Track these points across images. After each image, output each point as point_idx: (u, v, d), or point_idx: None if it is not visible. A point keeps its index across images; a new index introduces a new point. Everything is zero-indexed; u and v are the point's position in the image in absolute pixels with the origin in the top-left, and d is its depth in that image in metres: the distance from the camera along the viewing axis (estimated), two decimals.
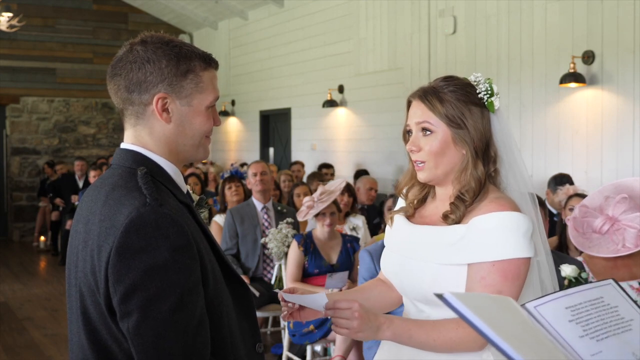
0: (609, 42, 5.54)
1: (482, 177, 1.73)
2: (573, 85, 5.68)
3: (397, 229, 1.89)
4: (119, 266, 1.35)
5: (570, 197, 4.47)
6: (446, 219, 1.74)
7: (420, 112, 1.76)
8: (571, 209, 4.24)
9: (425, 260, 1.74)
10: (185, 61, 1.51)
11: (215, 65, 1.59)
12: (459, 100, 1.74)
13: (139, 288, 1.34)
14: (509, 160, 1.81)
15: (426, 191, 1.89)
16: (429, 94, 1.76)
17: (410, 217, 1.89)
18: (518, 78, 6.34)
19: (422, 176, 1.79)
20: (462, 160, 1.75)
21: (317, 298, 1.68)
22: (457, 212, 1.72)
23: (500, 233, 1.64)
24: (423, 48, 7.42)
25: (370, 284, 2.01)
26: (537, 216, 1.79)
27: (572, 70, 5.61)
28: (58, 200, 10.15)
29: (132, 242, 1.35)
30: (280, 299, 1.79)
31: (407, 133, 1.82)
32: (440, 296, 1.11)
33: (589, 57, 5.64)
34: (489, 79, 1.81)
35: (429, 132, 1.75)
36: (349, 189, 5.38)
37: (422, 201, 1.90)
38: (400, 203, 1.98)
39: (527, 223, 1.67)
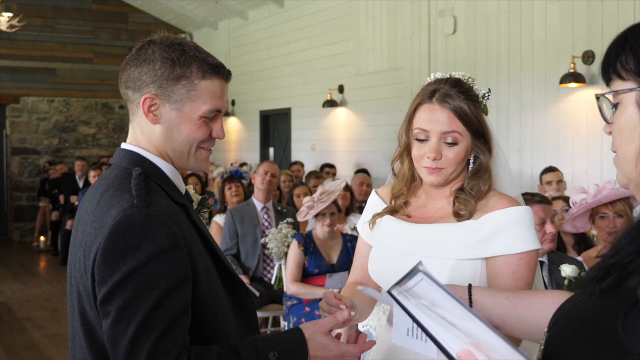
0: (609, 42, 5.49)
1: (491, 178, 1.80)
2: (573, 85, 5.68)
3: (390, 229, 1.87)
4: (103, 268, 1.36)
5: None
6: (458, 215, 1.76)
7: (448, 120, 1.72)
8: (554, 214, 4.27)
9: (442, 257, 1.73)
10: (180, 66, 1.48)
11: (222, 76, 1.53)
12: (475, 107, 1.75)
13: (117, 290, 1.34)
14: (500, 161, 1.85)
15: (405, 191, 1.89)
16: (454, 101, 1.72)
17: (398, 214, 1.88)
18: (518, 78, 6.34)
19: (435, 179, 1.77)
20: (467, 164, 1.79)
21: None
22: (469, 206, 1.74)
23: (520, 226, 1.70)
24: (423, 48, 7.42)
25: (352, 291, 1.95)
26: None
27: (572, 70, 5.61)
28: (62, 197, 10.16)
29: (117, 244, 1.35)
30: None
31: (419, 140, 1.76)
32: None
33: (589, 57, 5.64)
34: (472, 78, 1.82)
35: (454, 142, 1.73)
36: (345, 186, 5.40)
37: (404, 202, 1.90)
38: (374, 204, 1.96)
39: (533, 216, 1.76)
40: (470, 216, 1.74)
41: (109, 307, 1.35)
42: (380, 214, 1.91)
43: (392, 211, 1.90)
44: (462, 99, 1.73)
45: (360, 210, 5.99)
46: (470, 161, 1.79)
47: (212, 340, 1.46)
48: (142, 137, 1.53)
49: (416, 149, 1.78)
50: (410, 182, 1.88)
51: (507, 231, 1.70)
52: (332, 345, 1.49)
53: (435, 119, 1.73)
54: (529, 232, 1.71)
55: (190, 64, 1.49)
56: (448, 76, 1.82)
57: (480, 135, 1.76)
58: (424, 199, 1.87)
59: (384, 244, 1.89)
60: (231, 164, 8.49)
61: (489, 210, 1.73)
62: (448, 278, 1.71)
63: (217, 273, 1.53)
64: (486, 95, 1.81)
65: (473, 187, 1.76)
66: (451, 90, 1.74)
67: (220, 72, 1.52)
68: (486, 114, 1.81)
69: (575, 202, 3.38)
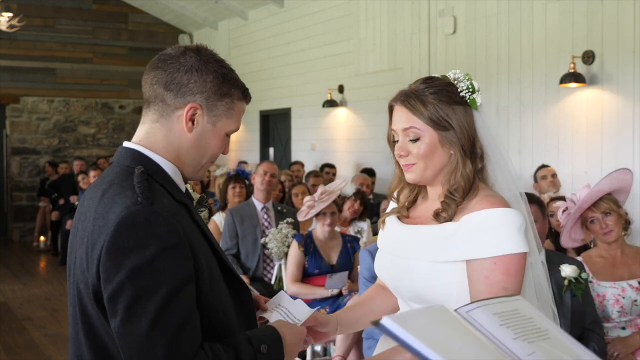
0: (609, 42, 5.54)
1: (471, 175, 1.74)
2: (573, 85, 5.68)
3: (390, 230, 1.90)
4: (109, 265, 1.36)
5: (547, 203, 4.48)
6: (438, 217, 1.74)
7: (405, 118, 1.75)
8: (551, 215, 4.27)
9: (418, 259, 1.74)
10: (227, 85, 1.57)
11: (249, 99, 1.65)
12: (442, 102, 1.73)
13: (125, 287, 1.35)
14: (495, 157, 1.81)
15: (416, 192, 1.90)
16: (411, 99, 1.74)
17: (402, 218, 1.89)
18: (518, 78, 6.34)
19: (410, 177, 1.79)
20: (450, 160, 1.76)
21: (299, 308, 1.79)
22: (449, 210, 1.72)
23: (496, 229, 1.65)
24: (423, 48, 7.42)
25: (371, 293, 2.01)
26: (529, 215, 1.80)
27: (572, 70, 5.61)
28: (55, 214, 10.20)
29: (122, 241, 1.36)
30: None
31: (393, 138, 1.82)
32: (376, 323, 1.15)
33: (589, 57, 5.64)
34: (468, 74, 1.79)
35: (416, 137, 1.74)
36: (362, 197, 5.34)
37: (413, 202, 1.91)
38: (393, 205, 1.98)
39: (520, 218, 1.68)
40: (450, 218, 1.72)
41: (116, 305, 1.36)
42: (387, 214, 1.94)
43: (401, 211, 1.91)
44: (427, 93, 1.73)
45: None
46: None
47: (213, 336, 1.46)
48: (164, 139, 1.55)
49: (394, 150, 1.82)
50: (405, 182, 1.88)
51: (482, 234, 1.65)
52: (300, 329, 1.66)
53: (397, 118, 1.78)
54: (508, 235, 1.64)
55: (235, 85, 1.59)
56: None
57: (445, 128, 1.73)
58: (425, 200, 1.88)
59: (384, 244, 1.92)
60: (239, 163, 8.52)
61: (468, 211, 1.70)
62: (425, 280, 1.72)
63: (219, 271, 1.54)
64: (469, 88, 1.76)
65: (452, 187, 1.75)
66: (419, 86, 1.76)
67: (249, 96, 1.65)
68: (475, 108, 1.77)
69: (562, 217, 3.39)
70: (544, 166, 5.74)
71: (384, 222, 1.93)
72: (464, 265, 1.69)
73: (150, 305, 1.34)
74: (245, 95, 1.62)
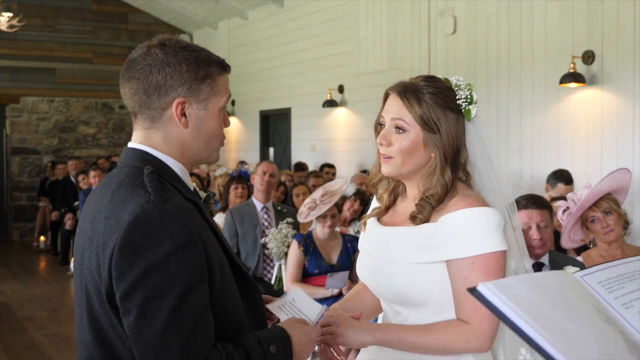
0: (609, 42, 5.54)
1: (448, 183, 1.73)
2: (573, 85, 5.68)
3: (370, 232, 1.89)
4: (121, 263, 1.36)
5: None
6: (414, 219, 1.73)
7: (396, 108, 1.74)
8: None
9: (397, 261, 1.73)
10: (204, 66, 1.53)
11: (228, 69, 1.62)
12: (437, 104, 1.72)
13: (139, 285, 1.34)
14: (486, 168, 1.78)
15: (394, 186, 1.89)
16: (409, 92, 1.74)
17: (382, 219, 1.88)
18: (518, 78, 6.34)
19: (385, 170, 1.78)
20: (428, 163, 1.75)
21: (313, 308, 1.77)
22: (424, 212, 1.71)
23: (473, 229, 1.64)
24: (423, 48, 7.42)
25: (363, 288, 1.99)
26: (517, 225, 1.78)
27: (572, 70, 5.61)
28: (54, 214, 10.17)
29: (135, 239, 1.35)
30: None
31: (379, 125, 1.81)
32: (472, 290, 0.96)
33: (589, 57, 5.64)
34: (469, 84, 1.78)
35: (401, 130, 1.73)
36: (362, 197, 5.34)
37: (394, 199, 1.90)
38: (374, 205, 1.97)
39: (498, 217, 1.66)
40: (426, 219, 1.71)
41: (129, 304, 1.35)
42: (367, 216, 1.93)
43: (380, 213, 1.90)
44: (425, 92, 1.72)
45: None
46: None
47: (223, 335, 1.46)
48: (163, 141, 1.53)
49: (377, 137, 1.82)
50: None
51: (460, 234, 1.64)
52: (310, 329, 1.63)
53: (389, 108, 1.77)
54: (485, 234, 1.63)
55: (210, 63, 1.54)
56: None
57: (433, 131, 1.72)
58: (404, 200, 1.87)
59: (362, 246, 1.92)
60: (241, 163, 8.51)
61: (446, 212, 1.68)
62: (405, 282, 1.71)
63: (230, 269, 1.54)
64: (467, 98, 1.74)
65: (427, 190, 1.74)
66: (419, 82, 1.75)
67: (228, 66, 1.61)
68: (468, 119, 1.75)
69: (562, 218, 3.39)
70: (568, 182, 5.37)
71: (365, 224, 1.92)
72: (444, 265, 1.67)
73: (165, 304, 1.33)
74: (224, 67, 1.58)
